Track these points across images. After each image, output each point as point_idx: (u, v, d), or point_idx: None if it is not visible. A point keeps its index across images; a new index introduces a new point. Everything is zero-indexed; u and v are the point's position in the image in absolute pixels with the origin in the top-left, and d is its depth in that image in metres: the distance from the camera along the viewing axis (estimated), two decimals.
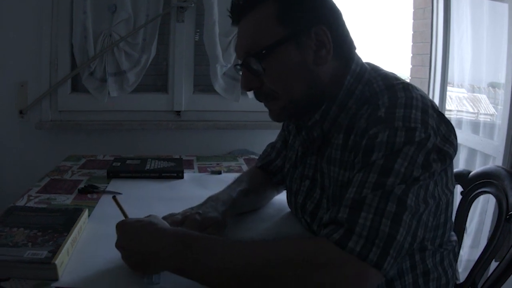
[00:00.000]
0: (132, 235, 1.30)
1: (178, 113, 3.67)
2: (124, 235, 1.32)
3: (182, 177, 2.34)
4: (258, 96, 1.49)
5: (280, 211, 1.85)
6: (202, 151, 3.21)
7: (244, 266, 1.13)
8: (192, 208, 1.60)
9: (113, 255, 1.42)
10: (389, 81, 1.37)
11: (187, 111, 3.68)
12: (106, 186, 2.14)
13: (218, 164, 2.70)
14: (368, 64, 1.48)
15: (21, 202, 1.87)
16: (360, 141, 1.26)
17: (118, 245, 1.31)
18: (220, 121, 3.69)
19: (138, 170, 2.35)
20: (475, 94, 4.08)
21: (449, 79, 4.03)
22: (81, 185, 2.12)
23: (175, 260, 1.20)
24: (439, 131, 1.25)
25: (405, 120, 1.21)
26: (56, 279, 1.25)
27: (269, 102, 1.48)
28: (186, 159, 2.75)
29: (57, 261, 1.25)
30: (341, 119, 1.42)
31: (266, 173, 1.96)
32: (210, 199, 1.68)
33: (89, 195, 2.01)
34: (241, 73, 1.47)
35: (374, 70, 1.45)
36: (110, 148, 3.30)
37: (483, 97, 4.06)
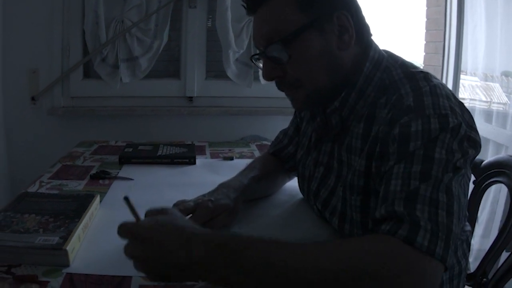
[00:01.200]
0: (152, 242, 1.04)
1: (190, 99, 3.66)
2: (139, 243, 1.05)
3: (194, 163, 2.33)
4: (280, 86, 1.46)
5: (292, 197, 1.84)
6: (214, 137, 3.20)
7: (314, 277, 0.98)
8: (203, 195, 1.58)
9: (124, 241, 1.42)
10: (408, 69, 1.36)
11: (199, 97, 3.67)
12: (118, 172, 2.14)
13: (230, 150, 2.69)
14: (385, 51, 1.47)
15: (33, 188, 1.87)
16: (389, 130, 1.24)
17: (130, 255, 1.05)
18: (232, 107, 3.68)
19: (150, 156, 2.35)
20: (488, 83, 4.04)
21: (462, 67, 4.00)
22: (93, 171, 2.13)
23: (219, 271, 1.00)
24: (464, 119, 1.24)
25: (435, 107, 1.20)
26: (68, 265, 1.25)
27: (292, 91, 1.45)
28: (198, 145, 2.75)
29: (69, 247, 1.25)
30: (359, 107, 1.40)
31: (278, 160, 1.95)
32: (221, 185, 1.66)
33: (101, 181, 2.01)
34: (260, 64, 1.45)
35: (392, 58, 1.44)
36: (122, 134, 3.30)
37: (496, 86, 4.02)
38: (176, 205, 1.50)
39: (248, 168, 1.86)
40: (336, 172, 1.49)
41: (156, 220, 1.10)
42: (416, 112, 1.19)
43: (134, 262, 1.05)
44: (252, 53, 3.48)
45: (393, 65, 1.40)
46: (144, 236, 1.04)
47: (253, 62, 1.52)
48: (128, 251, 1.05)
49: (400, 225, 1.04)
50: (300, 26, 1.32)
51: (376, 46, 1.45)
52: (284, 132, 2.00)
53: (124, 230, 1.07)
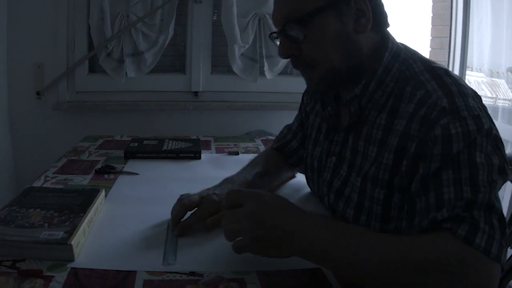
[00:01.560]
0: (271, 207, 1.19)
1: (195, 93, 3.66)
2: (259, 205, 1.19)
3: (199, 158, 2.33)
4: (295, 64, 1.47)
5: (297, 191, 1.84)
6: (219, 132, 3.20)
7: (392, 263, 1.07)
8: (208, 189, 1.60)
9: (129, 235, 1.42)
10: (428, 64, 1.38)
11: (204, 91, 3.67)
12: (123, 167, 2.14)
13: (235, 145, 2.69)
14: (401, 44, 1.48)
15: (38, 183, 1.86)
16: (427, 131, 1.23)
17: (243, 215, 1.18)
18: (238, 101, 3.68)
19: (155, 151, 2.34)
20: (493, 79, 4.04)
21: (468, 63, 3.99)
22: (98, 166, 2.12)
23: (322, 245, 1.11)
24: (489, 116, 1.27)
25: (467, 109, 1.22)
26: (72, 260, 1.24)
27: (307, 70, 1.46)
28: (204, 139, 2.75)
29: (73, 242, 1.25)
30: (378, 96, 1.41)
31: (281, 155, 1.97)
32: (226, 180, 1.68)
33: (106, 176, 2.00)
34: (278, 41, 1.46)
35: (408, 51, 1.45)
36: (128, 128, 3.30)
37: (501, 82, 4.01)
38: (181, 199, 1.52)
39: (252, 163, 1.88)
40: (348, 162, 1.50)
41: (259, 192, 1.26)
42: (453, 114, 1.21)
43: (243, 223, 1.17)
44: (258, 47, 3.50)
45: (411, 58, 1.41)
46: (263, 200, 1.21)
47: (271, 40, 1.52)
48: (239, 213, 1.19)
49: (460, 225, 1.10)
50: (318, 6, 1.34)
51: (394, 38, 1.46)
52: (288, 127, 2.02)
53: (242, 194, 1.25)
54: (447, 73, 1.33)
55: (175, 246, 1.37)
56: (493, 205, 1.12)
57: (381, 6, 1.42)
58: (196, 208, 1.49)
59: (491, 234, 1.08)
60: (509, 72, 3.85)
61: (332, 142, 1.58)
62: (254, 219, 1.16)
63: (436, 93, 1.26)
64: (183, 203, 1.50)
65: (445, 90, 1.26)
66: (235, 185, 1.64)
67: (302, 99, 1.94)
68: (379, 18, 1.41)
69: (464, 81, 1.32)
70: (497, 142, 1.23)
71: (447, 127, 1.19)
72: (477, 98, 1.29)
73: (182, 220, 1.48)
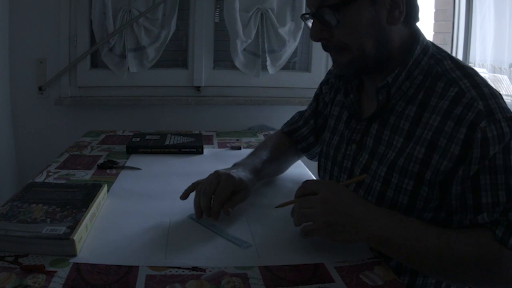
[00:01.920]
0: (343, 196, 1.34)
1: (198, 88, 3.65)
2: (333, 193, 1.34)
3: (201, 153, 2.34)
4: (326, 47, 1.49)
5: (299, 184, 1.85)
6: (221, 127, 3.20)
7: (442, 254, 1.23)
8: (219, 170, 1.64)
9: (132, 230, 1.42)
10: (457, 62, 1.43)
11: (207, 86, 3.67)
12: (125, 162, 2.14)
13: (237, 139, 2.69)
14: (428, 40, 1.51)
15: (40, 178, 1.87)
16: (465, 132, 1.28)
17: (318, 201, 1.32)
18: (240, 96, 3.67)
19: (158, 146, 2.34)
20: (496, 75, 4.03)
21: (471, 58, 3.99)
22: (100, 161, 2.12)
23: (386, 233, 1.26)
24: None
25: (501, 111, 1.28)
26: (75, 255, 1.24)
27: (337, 54, 1.48)
28: (206, 134, 2.75)
29: (76, 237, 1.25)
30: (405, 87, 1.44)
31: (290, 140, 2.01)
32: (237, 164, 1.73)
33: (108, 171, 2.00)
34: (309, 23, 1.49)
35: (436, 47, 1.50)
36: (130, 123, 3.31)
37: (504, 77, 4.00)
38: (199, 188, 1.57)
39: (261, 148, 1.93)
40: (370, 150, 1.52)
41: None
42: (489, 117, 1.27)
43: (315, 207, 1.31)
44: (260, 42, 3.50)
45: (439, 54, 1.46)
46: (335, 187, 1.38)
47: (303, 20, 1.54)
48: (313, 199, 1.33)
49: (497, 227, 1.24)
50: None
51: (423, 34, 1.49)
52: (300, 113, 2.05)
53: (313, 183, 1.41)
54: (476, 72, 1.39)
55: (230, 235, 1.43)
56: None
57: (414, 1, 1.44)
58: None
59: None
60: (511, 68, 3.84)
61: (354, 131, 1.60)
62: (328, 206, 1.31)
63: (470, 92, 1.31)
64: (206, 192, 1.53)
65: (478, 90, 1.32)
66: (247, 170, 1.68)
67: (320, 89, 1.95)
68: (412, 12, 1.43)
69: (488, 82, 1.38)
70: None
71: (484, 131, 1.25)
72: (502, 98, 1.35)
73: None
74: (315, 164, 1.90)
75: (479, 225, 1.27)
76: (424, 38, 1.47)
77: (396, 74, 1.43)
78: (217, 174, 1.58)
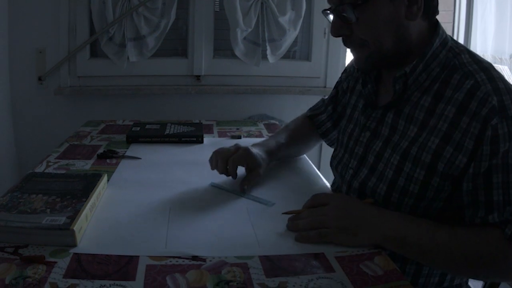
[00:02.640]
0: (354, 202, 1.46)
1: (198, 77, 3.64)
2: (344, 200, 1.48)
3: (202, 142, 2.34)
4: (346, 43, 1.53)
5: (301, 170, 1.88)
6: (221, 116, 3.20)
7: (454, 252, 1.29)
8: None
9: (132, 220, 1.43)
10: (474, 56, 1.45)
11: (207, 75, 3.65)
12: (125, 151, 2.14)
13: (238, 129, 2.68)
14: (447, 34, 1.52)
15: (40, 169, 1.86)
16: (479, 129, 1.30)
17: (330, 209, 1.40)
18: (240, 85, 3.66)
19: (158, 135, 2.34)
20: (497, 65, 4.02)
21: (471, 49, 3.97)
22: (100, 150, 2.12)
23: (400, 233, 1.32)
24: None
25: None
26: (75, 245, 1.25)
27: (356, 49, 1.53)
28: (206, 123, 2.74)
29: (76, 227, 1.25)
30: (422, 78, 1.45)
31: (312, 124, 2.09)
32: (255, 144, 1.85)
33: (108, 160, 2.00)
34: (331, 19, 1.51)
35: (454, 40, 1.52)
36: (130, 113, 3.30)
37: (505, 68, 4.00)
38: (217, 153, 1.76)
39: (282, 131, 2.09)
40: (385, 138, 1.54)
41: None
42: (501, 113, 1.28)
43: (327, 214, 1.38)
44: (260, 31, 3.49)
45: (457, 47, 1.48)
46: (345, 198, 1.54)
47: (324, 15, 1.57)
48: (325, 209, 1.41)
49: (507, 226, 1.27)
50: None
51: (442, 27, 1.50)
52: (323, 99, 2.12)
53: (321, 196, 1.49)
54: (493, 67, 1.40)
55: (252, 196, 1.64)
56: None
57: None
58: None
59: None
60: None
61: (369, 118, 1.62)
62: (340, 212, 1.39)
63: (485, 86, 1.32)
64: (223, 156, 1.74)
65: (493, 85, 1.33)
66: (262, 150, 1.83)
67: (340, 77, 2.00)
68: (430, 6, 1.45)
69: (504, 76, 1.39)
70: None
71: (495, 128, 1.27)
72: None
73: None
74: (317, 156, 1.92)
75: (489, 224, 1.30)
76: (443, 31, 1.48)
77: (414, 65, 1.45)
78: (236, 145, 1.77)
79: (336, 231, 1.33)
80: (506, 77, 1.38)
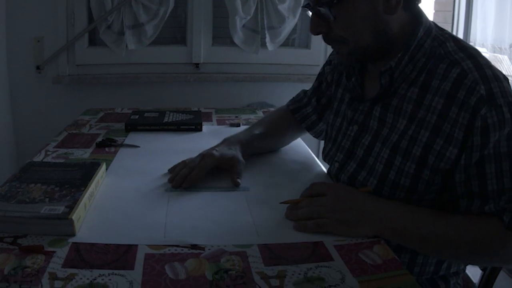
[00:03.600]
0: (353, 194, 1.45)
1: (196, 65, 3.64)
2: (342, 192, 1.46)
3: (200, 130, 2.33)
4: (326, 40, 1.51)
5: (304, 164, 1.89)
6: (220, 104, 3.19)
7: (453, 239, 1.30)
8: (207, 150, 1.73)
9: (130, 209, 1.43)
10: (460, 43, 1.43)
11: (205, 63, 3.65)
12: (124, 140, 2.13)
13: (236, 116, 2.67)
14: (431, 21, 1.50)
15: (39, 158, 1.86)
16: (468, 119, 1.29)
17: (329, 201, 1.39)
18: (239, 73, 3.66)
19: (156, 123, 2.33)
20: (496, 55, 4.03)
21: (471, 38, 3.99)
22: (99, 139, 2.12)
23: (400, 223, 1.33)
24: None
25: (503, 95, 1.29)
26: (74, 235, 1.25)
27: (336, 45, 1.51)
28: (205, 111, 2.73)
29: (74, 216, 1.25)
30: (408, 70, 1.44)
31: (293, 118, 2.03)
32: (225, 140, 1.82)
33: (107, 149, 2.00)
34: (310, 13, 1.49)
35: (438, 27, 1.50)
36: (128, 101, 3.29)
37: (504, 57, 4.00)
38: (178, 164, 1.70)
39: (257, 124, 2.04)
40: (374, 132, 1.53)
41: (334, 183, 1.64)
42: (490, 102, 1.27)
43: (322, 209, 1.36)
44: (259, 19, 3.48)
45: (442, 35, 1.46)
46: (339, 188, 1.50)
47: (304, 10, 1.58)
48: (319, 202, 1.39)
49: (504, 214, 1.29)
50: None
51: (426, 15, 1.49)
52: (304, 92, 2.07)
53: (317, 186, 1.49)
54: (479, 53, 1.38)
55: (223, 188, 1.62)
56: None
57: None
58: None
59: None
60: None
61: (356, 112, 1.61)
62: (340, 204, 1.38)
63: (473, 74, 1.31)
64: (189, 166, 1.66)
65: (480, 72, 1.31)
66: (232, 144, 1.80)
67: (323, 69, 1.96)
68: None
69: (491, 63, 1.38)
70: None
71: (485, 118, 1.26)
72: (506, 80, 1.34)
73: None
74: (316, 143, 1.91)
75: (487, 213, 1.31)
76: (426, 19, 1.46)
77: (399, 58, 1.43)
78: (200, 154, 1.72)
79: (335, 223, 1.32)
80: (506, 67, 1.37)
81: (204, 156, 1.68)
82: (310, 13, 1.47)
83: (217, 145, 1.78)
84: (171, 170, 1.72)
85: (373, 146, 1.52)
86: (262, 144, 1.93)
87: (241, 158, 1.74)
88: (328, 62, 1.93)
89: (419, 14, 1.46)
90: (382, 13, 1.38)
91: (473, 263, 1.50)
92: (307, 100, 2.00)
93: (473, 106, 1.27)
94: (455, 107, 1.31)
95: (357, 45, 1.44)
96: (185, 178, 1.61)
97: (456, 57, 1.36)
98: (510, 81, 1.35)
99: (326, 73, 1.92)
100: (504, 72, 1.38)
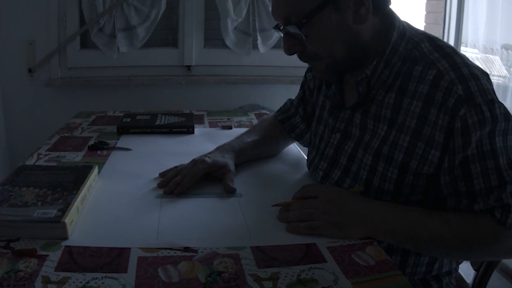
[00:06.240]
0: (344, 196, 1.42)
1: (188, 67, 3.64)
2: (334, 194, 1.43)
3: (192, 132, 2.33)
4: (301, 58, 1.51)
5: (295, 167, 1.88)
6: (212, 106, 3.19)
7: (446, 237, 1.30)
8: (199, 156, 1.71)
9: (123, 212, 1.43)
10: (435, 42, 1.42)
11: (197, 65, 3.66)
12: (116, 142, 2.13)
13: (228, 119, 2.68)
14: (404, 21, 1.50)
15: (31, 161, 1.86)
16: (448, 121, 1.29)
17: (320, 203, 1.38)
18: (231, 75, 3.66)
19: (148, 126, 2.33)
20: (488, 55, 4.03)
21: (463, 38, 3.99)
22: (91, 142, 2.11)
23: (392, 224, 1.33)
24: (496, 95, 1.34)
25: (481, 94, 1.28)
26: (66, 238, 1.24)
27: (312, 62, 1.52)
28: (197, 114, 2.73)
29: (67, 220, 1.25)
30: (385, 76, 1.43)
31: (283, 127, 2.01)
32: (218, 148, 1.79)
33: (99, 152, 2.00)
34: (282, 36, 1.49)
35: (412, 28, 1.49)
36: (120, 104, 3.29)
37: (496, 58, 4.00)
38: (175, 166, 1.68)
39: (249, 131, 2.00)
40: (356, 139, 1.53)
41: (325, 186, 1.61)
42: (468, 102, 1.27)
43: (314, 212, 1.35)
44: (251, 21, 3.48)
45: (416, 36, 1.45)
46: (330, 191, 1.47)
47: (275, 30, 1.53)
48: (310, 204, 1.39)
49: (494, 210, 1.28)
50: (316, 5, 1.35)
51: (398, 16, 1.48)
52: (291, 101, 2.06)
53: (308, 188, 1.48)
54: (455, 51, 1.38)
55: (216, 194, 1.59)
56: None
57: None
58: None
59: None
60: (503, 49, 3.84)
61: (338, 119, 1.60)
62: (331, 206, 1.37)
63: (449, 74, 1.31)
64: (181, 173, 1.64)
65: (457, 72, 1.31)
66: (225, 151, 1.78)
67: (305, 76, 1.96)
68: (380, 4, 1.41)
69: (469, 59, 1.37)
70: (510, 122, 1.31)
71: (464, 118, 1.26)
72: (485, 76, 1.35)
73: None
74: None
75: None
76: (399, 21, 1.46)
77: (374, 66, 1.43)
78: (193, 160, 1.69)
79: (327, 225, 1.32)
80: (497, 68, 1.37)
81: (196, 162, 1.67)
82: (282, 34, 1.47)
83: (210, 152, 1.76)
84: (162, 175, 1.70)
85: (356, 153, 1.52)
86: (255, 151, 1.91)
87: (232, 167, 1.71)
88: (309, 69, 1.93)
89: (391, 16, 1.45)
90: (353, 24, 1.37)
91: (466, 258, 1.52)
92: (294, 110, 2.00)
93: (451, 108, 1.27)
94: (434, 109, 1.31)
95: (331, 59, 1.44)
96: (177, 185, 1.59)
97: (431, 58, 1.36)
98: (503, 82, 1.35)
99: (308, 80, 1.92)
100: (495, 73, 1.38)
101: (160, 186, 1.62)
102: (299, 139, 2.01)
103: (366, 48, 1.43)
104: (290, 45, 1.46)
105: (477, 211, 1.30)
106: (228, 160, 1.73)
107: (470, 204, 1.31)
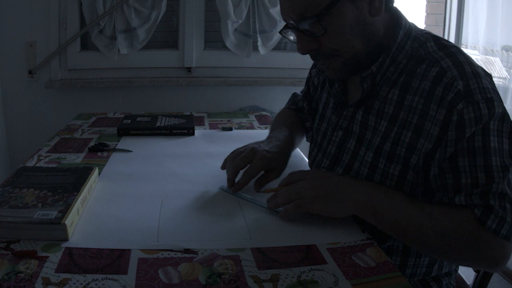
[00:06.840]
0: (330, 174, 1.47)
1: (188, 69, 3.64)
2: (320, 173, 1.47)
3: (193, 134, 2.33)
4: (316, 57, 1.49)
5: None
6: (213, 108, 3.20)
7: (424, 228, 1.27)
8: (258, 143, 1.68)
9: (123, 213, 1.42)
10: (440, 41, 1.43)
11: (198, 67, 3.66)
12: (117, 144, 2.13)
13: (229, 120, 2.68)
14: (409, 21, 1.50)
15: (31, 163, 1.86)
16: (445, 115, 1.29)
17: (307, 182, 1.40)
18: (231, 77, 3.66)
19: (149, 127, 2.33)
20: (488, 57, 4.03)
21: (463, 40, 4.00)
22: (91, 144, 2.12)
23: (373, 203, 1.32)
24: (499, 95, 1.33)
25: (481, 91, 1.28)
26: (67, 239, 1.24)
27: (328, 60, 1.47)
28: (197, 115, 2.74)
29: (67, 221, 1.25)
30: (390, 73, 1.44)
31: (298, 116, 2.03)
32: (274, 138, 1.74)
33: (99, 154, 2.00)
34: (290, 37, 1.49)
35: (417, 28, 1.50)
36: (121, 105, 3.30)
37: (496, 60, 4.00)
38: (233, 157, 1.64)
39: (279, 123, 1.96)
40: (357, 136, 1.53)
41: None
42: (467, 98, 1.27)
43: (303, 191, 1.37)
44: (251, 23, 3.48)
45: (422, 35, 1.46)
46: (319, 172, 1.48)
47: (282, 35, 1.52)
48: (300, 184, 1.39)
49: (475, 208, 1.24)
50: None
51: (404, 16, 1.48)
52: (296, 95, 2.09)
53: (299, 173, 1.46)
54: (459, 51, 1.38)
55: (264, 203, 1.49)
56: (506, 193, 1.23)
57: None
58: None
59: (503, 216, 1.22)
60: (503, 51, 3.84)
61: (340, 117, 1.61)
62: (317, 182, 1.39)
63: (451, 71, 1.31)
64: (236, 166, 1.60)
65: (459, 69, 1.31)
66: (282, 145, 1.71)
67: (310, 73, 1.97)
68: None
69: (473, 60, 1.37)
70: (509, 125, 1.30)
71: (461, 113, 1.26)
72: (488, 76, 1.35)
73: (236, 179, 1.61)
74: (307, 145, 1.91)
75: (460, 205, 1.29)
76: (405, 20, 1.47)
77: (380, 62, 1.43)
78: (252, 152, 1.61)
79: (311, 200, 1.34)
80: (498, 69, 1.37)
81: (256, 155, 1.60)
82: (291, 37, 1.47)
83: (268, 142, 1.70)
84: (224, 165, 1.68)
85: (358, 150, 1.52)
86: (298, 142, 1.95)
87: (283, 167, 1.69)
88: (314, 65, 1.93)
89: (398, 15, 1.46)
90: (368, 16, 1.37)
91: (446, 256, 1.40)
92: (301, 104, 2.01)
93: (449, 101, 1.27)
94: (434, 104, 1.31)
95: (350, 54, 1.42)
96: (232, 180, 1.60)
97: (435, 56, 1.37)
98: (503, 83, 1.35)
99: (312, 77, 1.93)
100: (495, 75, 1.38)
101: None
102: (306, 132, 2.03)
103: (380, 43, 1.43)
104: (306, 43, 1.43)
105: (458, 204, 1.27)
106: (283, 163, 1.69)
107: (452, 197, 1.29)
